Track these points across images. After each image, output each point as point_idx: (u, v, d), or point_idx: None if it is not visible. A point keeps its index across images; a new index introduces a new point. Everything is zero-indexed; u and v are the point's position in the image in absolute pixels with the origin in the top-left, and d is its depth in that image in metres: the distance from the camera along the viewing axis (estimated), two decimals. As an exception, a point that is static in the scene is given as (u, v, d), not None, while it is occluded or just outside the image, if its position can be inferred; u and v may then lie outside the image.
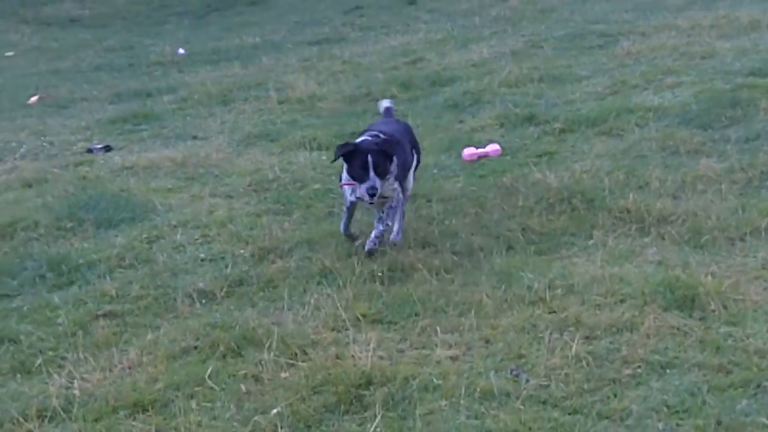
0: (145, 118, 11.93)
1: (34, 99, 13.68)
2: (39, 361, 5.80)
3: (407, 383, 5.13)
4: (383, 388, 5.11)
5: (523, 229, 7.18)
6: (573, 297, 6.00)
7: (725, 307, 5.67)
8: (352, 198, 7.09)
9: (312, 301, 6.25)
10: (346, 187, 7.10)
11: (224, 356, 5.63)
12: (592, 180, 7.90)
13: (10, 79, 15.60)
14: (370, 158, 6.71)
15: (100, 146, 10.68)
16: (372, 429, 4.81)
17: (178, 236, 7.68)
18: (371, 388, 5.12)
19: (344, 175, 7.07)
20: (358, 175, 6.78)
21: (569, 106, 10.38)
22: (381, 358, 5.45)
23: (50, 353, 5.92)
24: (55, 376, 5.58)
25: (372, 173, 6.71)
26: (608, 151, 8.76)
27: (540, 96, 10.97)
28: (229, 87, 13.10)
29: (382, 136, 7.02)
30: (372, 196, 6.70)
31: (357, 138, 7.24)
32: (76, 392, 5.35)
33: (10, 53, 18.01)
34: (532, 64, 12.39)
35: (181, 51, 16.64)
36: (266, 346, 5.62)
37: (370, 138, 7.00)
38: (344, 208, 7.26)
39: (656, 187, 7.65)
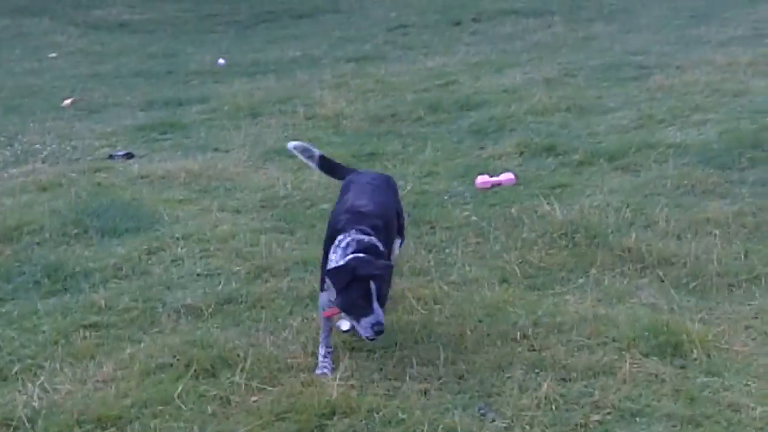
0: (172, 128, 11.97)
1: (67, 102, 13.75)
2: (16, 368, 5.80)
3: (371, 415, 5.07)
4: (346, 419, 5.05)
5: (521, 262, 7.09)
6: (557, 336, 5.91)
7: (708, 356, 5.55)
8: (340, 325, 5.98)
9: (295, 324, 6.20)
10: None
11: (197, 376, 5.58)
12: (599, 216, 7.77)
13: (48, 81, 15.71)
14: (373, 286, 5.28)
15: (121, 153, 10.72)
16: (328, 460, 4.77)
17: (179, 249, 7.66)
18: (334, 418, 5.06)
19: (324, 298, 5.71)
20: (356, 306, 5.30)
21: (591, 138, 10.27)
22: (351, 387, 5.38)
23: (29, 361, 5.90)
24: (29, 385, 5.57)
25: (376, 304, 5.29)
26: (622, 187, 8.64)
27: (564, 126, 10.87)
28: (260, 100, 13.10)
29: (371, 237, 5.57)
30: (380, 333, 5.30)
31: (339, 218, 5.79)
32: (42, 403, 5.34)
33: (53, 55, 18.14)
34: (563, 93, 12.27)
35: (221, 62, 16.66)
36: (239, 368, 5.58)
37: (358, 240, 5.53)
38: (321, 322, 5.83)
39: (662, 226, 7.52)
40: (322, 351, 5.70)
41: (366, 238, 5.53)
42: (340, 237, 5.58)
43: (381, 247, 5.58)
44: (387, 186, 6.46)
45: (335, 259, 5.51)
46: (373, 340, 5.35)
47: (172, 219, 8.38)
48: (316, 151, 6.77)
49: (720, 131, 10.00)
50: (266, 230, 8.01)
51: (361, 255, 5.40)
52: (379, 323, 5.24)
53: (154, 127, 12.04)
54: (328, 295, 5.60)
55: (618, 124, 10.76)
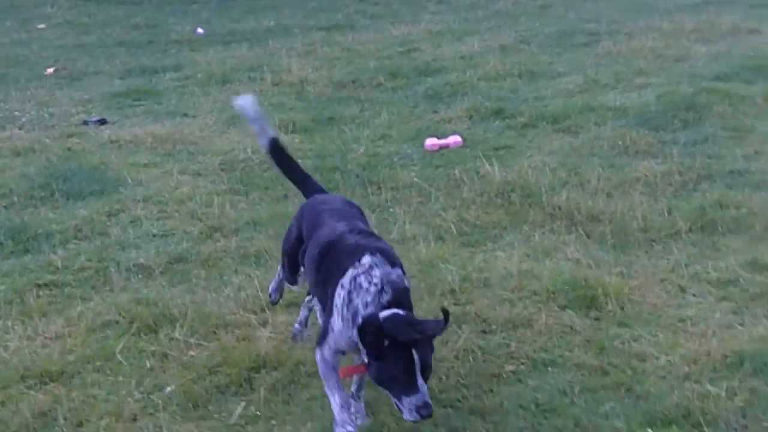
0: (146, 94, 11.81)
1: (50, 71, 13.59)
2: (-30, 327, 5.75)
3: (298, 368, 5.03)
4: (274, 372, 5.01)
5: (459, 220, 7.03)
6: (482, 290, 5.87)
7: (621, 309, 5.52)
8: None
9: (237, 281, 6.14)
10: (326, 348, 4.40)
11: (140, 332, 5.53)
12: (536, 176, 7.70)
13: (35, 51, 15.48)
14: (416, 356, 4.03)
15: (95, 119, 10.58)
16: (254, 411, 4.72)
17: (138, 211, 7.59)
18: (262, 371, 5.02)
19: (332, 339, 4.34)
20: (395, 381, 4.07)
21: (538, 102, 10.18)
22: (283, 341, 5.34)
23: (-17, 320, 5.85)
24: (-19, 342, 5.52)
25: (420, 380, 4.05)
26: (561, 148, 8.57)
27: (514, 91, 10.79)
28: (231, 68, 12.93)
29: (398, 271, 4.27)
30: (427, 418, 4.08)
31: (346, 237, 4.47)
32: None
33: (42, 26, 17.93)
34: (516, 59, 12.16)
35: (200, 31, 16.47)
36: (179, 324, 5.53)
37: (390, 279, 4.20)
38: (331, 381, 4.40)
39: (594, 185, 7.46)
40: (337, 399, 4.34)
41: (395, 274, 4.24)
42: (365, 260, 4.23)
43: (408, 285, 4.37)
44: (363, 215, 5.07)
45: (362, 301, 4.18)
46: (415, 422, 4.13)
47: (135, 182, 8.30)
48: (270, 130, 5.28)
49: (659, 94, 9.93)
50: (222, 192, 7.94)
51: (399, 312, 4.12)
52: (426, 406, 4.01)
53: (129, 94, 11.88)
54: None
55: (564, 89, 10.68)
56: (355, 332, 4.15)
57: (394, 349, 3.98)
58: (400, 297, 4.18)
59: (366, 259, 4.23)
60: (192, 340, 5.39)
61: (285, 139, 9.03)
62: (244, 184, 8.14)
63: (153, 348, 5.35)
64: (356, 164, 8.44)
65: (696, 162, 7.81)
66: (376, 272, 4.18)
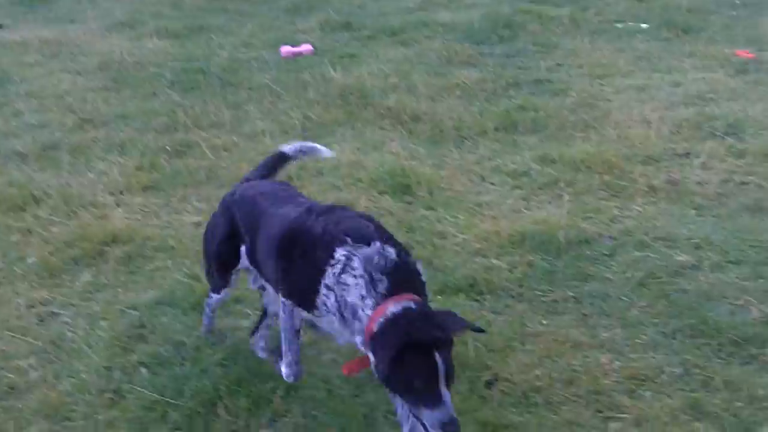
0: (40, 2, 11.23)
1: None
2: None
3: (146, 243, 4.83)
4: (124, 246, 4.80)
5: (303, 118, 6.82)
6: (317, 178, 5.72)
7: (431, 195, 5.43)
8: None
9: (102, 167, 5.86)
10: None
11: (9, 211, 5.24)
12: (372, 81, 7.52)
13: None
14: (440, 361, 2.82)
15: (-9, 24, 10.00)
16: (103, 280, 4.52)
17: (20, 104, 7.19)
18: (113, 245, 4.80)
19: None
20: (413, 391, 2.84)
21: (381, 18, 9.96)
22: (137, 220, 5.12)
23: None
24: None
25: (443, 388, 2.84)
26: (397, 58, 8.38)
27: (362, 7, 10.55)
28: (117, -20, 12.31)
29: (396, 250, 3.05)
30: None
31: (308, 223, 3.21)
32: None
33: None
34: (367, -20, 11.85)
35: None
36: (45, 204, 5.26)
37: (389, 260, 3.00)
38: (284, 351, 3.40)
39: (420, 90, 7.31)
40: (289, 356, 3.37)
41: (374, 251, 3.01)
42: (338, 254, 3.04)
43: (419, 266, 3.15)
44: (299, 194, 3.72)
45: (357, 295, 2.99)
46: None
47: (21, 79, 7.90)
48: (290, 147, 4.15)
49: (482, 13, 9.79)
50: (97, 89, 7.58)
51: (411, 306, 2.92)
52: (453, 422, 2.80)
53: (24, 2, 11.26)
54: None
55: (405, 6, 10.48)
56: (359, 339, 3.03)
57: (411, 353, 2.80)
58: (399, 280, 2.99)
59: (339, 254, 3.04)
60: (54, 218, 5.13)
61: (158, 45, 8.76)
62: (117, 83, 7.77)
63: (19, 225, 5.08)
64: (219, 68, 8.14)
65: (507, 72, 7.75)
66: (356, 263, 3.00)
